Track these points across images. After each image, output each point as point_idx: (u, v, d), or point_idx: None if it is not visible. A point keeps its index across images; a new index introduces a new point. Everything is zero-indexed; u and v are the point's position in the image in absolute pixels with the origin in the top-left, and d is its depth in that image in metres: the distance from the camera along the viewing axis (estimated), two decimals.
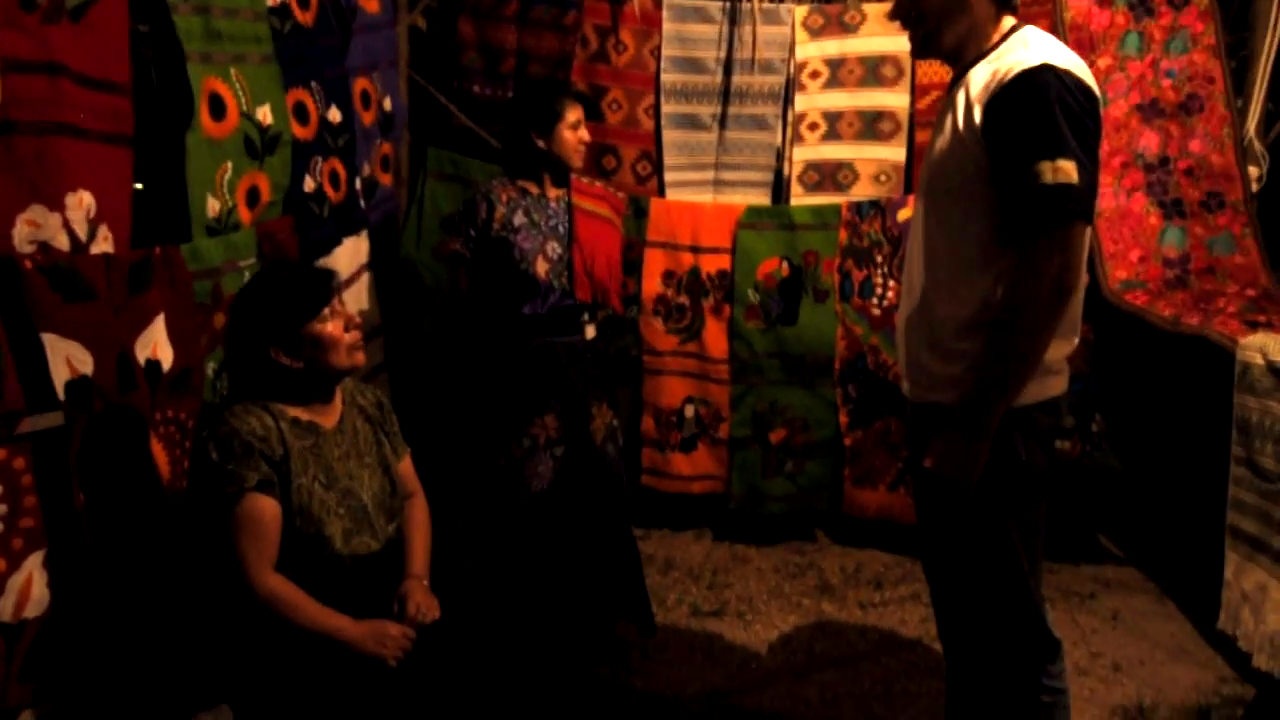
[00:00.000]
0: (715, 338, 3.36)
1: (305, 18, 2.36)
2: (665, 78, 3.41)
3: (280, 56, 2.21)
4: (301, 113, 2.32)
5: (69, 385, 1.57)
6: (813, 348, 3.31)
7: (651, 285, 3.37)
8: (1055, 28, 3.20)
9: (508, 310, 2.48)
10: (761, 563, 3.25)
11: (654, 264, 3.37)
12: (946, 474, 1.60)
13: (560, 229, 2.49)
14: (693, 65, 3.41)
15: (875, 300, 3.26)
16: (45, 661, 1.54)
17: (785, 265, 3.32)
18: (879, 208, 3.27)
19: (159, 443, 1.77)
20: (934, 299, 1.68)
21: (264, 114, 2.13)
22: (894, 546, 3.30)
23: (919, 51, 1.72)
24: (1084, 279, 1.65)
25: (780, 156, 3.47)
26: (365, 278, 2.95)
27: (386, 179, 3.01)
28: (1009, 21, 1.64)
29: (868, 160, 3.41)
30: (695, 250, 3.36)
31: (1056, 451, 1.85)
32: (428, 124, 3.37)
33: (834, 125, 3.43)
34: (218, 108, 1.99)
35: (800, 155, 3.45)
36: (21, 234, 1.52)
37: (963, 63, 1.66)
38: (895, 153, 3.39)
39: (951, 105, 1.63)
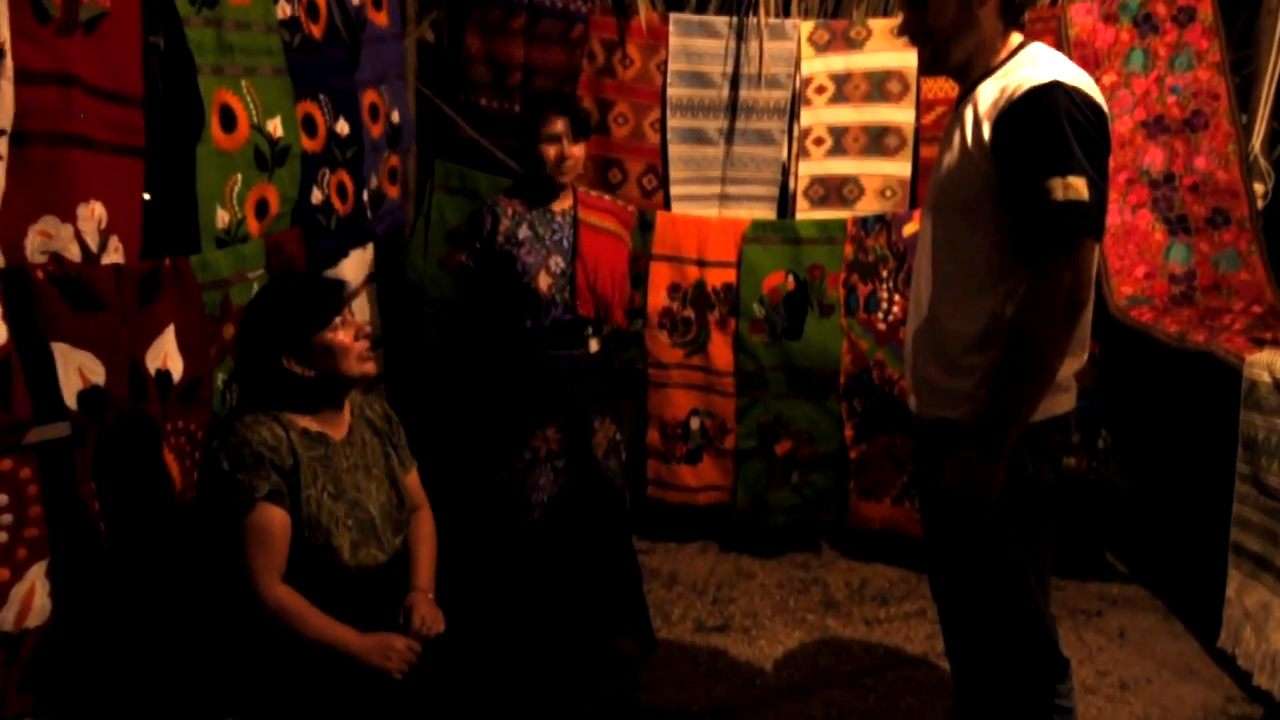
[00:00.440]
0: (720, 351, 3.37)
1: (315, 31, 2.37)
2: (671, 92, 3.42)
3: (290, 69, 2.22)
4: (310, 125, 2.33)
5: (81, 395, 1.57)
6: (818, 362, 3.31)
7: (657, 298, 3.37)
8: (1060, 44, 3.22)
9: (510, 323, 2.48)
10: (766, 578, 3.24)
11: (659, 277, 3.37)
12: (963, 493, 1.59)
13: (564, 243, 2.49)
14: (699, 80, 3.42)
15: (880, 315, 3.26)
16: (46, 671, 1.54)
17: (790, 279, 3.32)
18: (884, 222, 3.28)
19: (169, 453, 1.77)
20: (942, 314, 1.68)
21: (274, 126, 2.14)
22: (899, 560, 3.29)
23: (927, 68, 1.72)
24: (1093, 295, 1.65)
25: (785, 171, 3.48)
26: (369, 290, 2.95)
27: (394, 191, 3.02)
28: (1016, 38, 1.65)
29: (873, 175, 3.42)
30: (701, 264, 3.37)
31: (1063, 468, 1.85)
32: (435, 137, 3.39)
33: (839, 140, 3.44)
34: (229, 120, 2.00)
35: (806, 170, 3.46)
36: (34, 244, 1.52)
37: (970, 79, 1.66)
38: (900, 168, 3.40)
39: (959, 122, 1.63)
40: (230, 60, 2.01)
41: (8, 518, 1.48)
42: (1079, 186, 1.48)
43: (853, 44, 3.40)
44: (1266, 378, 2.42)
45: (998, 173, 1.55)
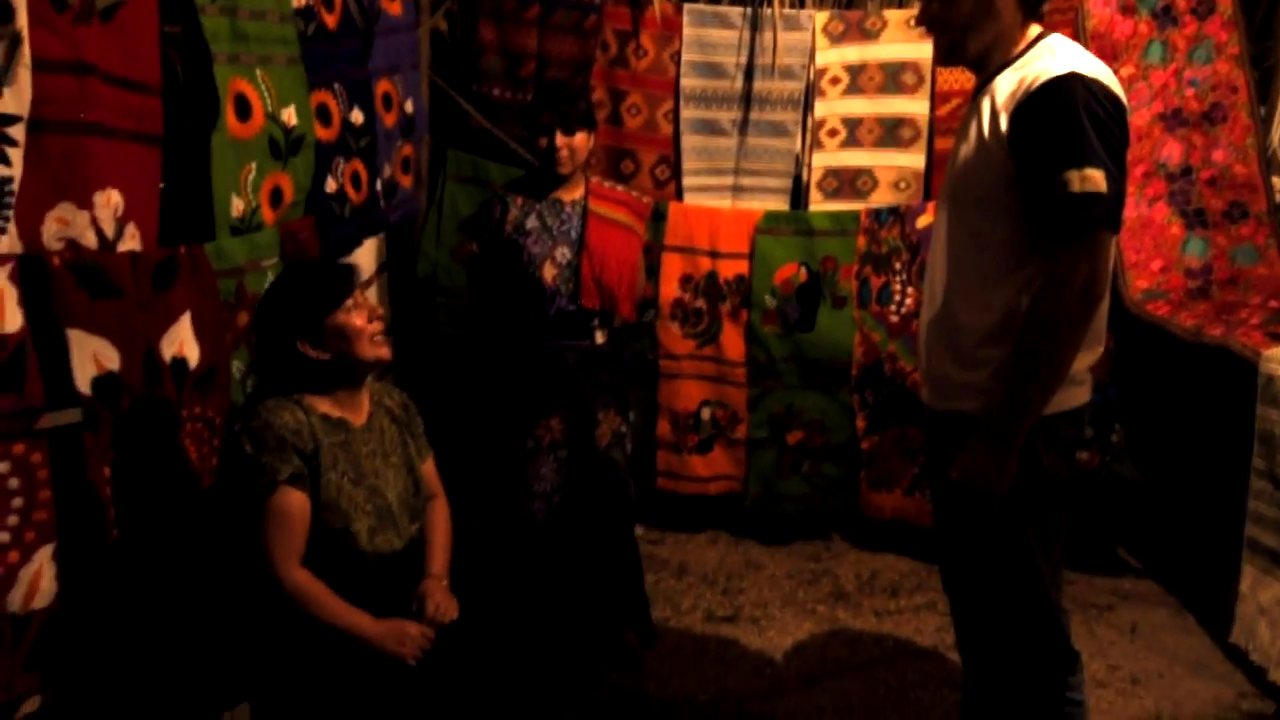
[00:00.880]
0: (732, 341, 3.36)
1: (330, 20, 2.37)
2: (685, 83, 3.41)
3: (305, 58, 2.22)
4: (324, 114, 2.34)
5: (96, 381, 1.58)
6: (830, 353, 3.30)
7: (669, 289, 3.37)
8: (1078, 36, 3.19)
9: (516, 313, 2.49)
10: (776, 569, 3.24)
11: (671, 268, 3.37)
12: (974, 486, 1.59)
13: (573, 234, 2.49)
14: (713, 70, 3.41)
15: (894, 307, 3.25)
16: (51, 651, 1.56)
17: (803, 271, 3.32)
18: (898, 214, 3.26)
19: (186, 439, 1.79)
20: (956, 307, 1.68)
21: (289, 115, 2.15)
22: (910, 551, 3.28)
23: (944, 59, 1.71)
24: (1109, 288, 1.64)
25: (799, 162, 3.47)
26: (380, 279, 2.96)
27: (407, 180, 3.02)
28: (1035, 30, 1.64)
29: (887, 167, 3.41)
30: (713, 255, 3.36)
31: (1076, 462, 1.84)
32: (448, 126, 3.39)
33: (854, 131, 3.42)
34: (243, 109, 2.00)
35: (819, 161, 3.45)
36: (50, 231, 1.53)
37: (987, 70, 1.65)
38: (915, 159, 3.38)
39: (976, 113, 1.62)
40: (245, 49, 2.01)
41: (18, 501, 1.50)
42: (1096, 179, 1.47)
43: (868, 35, 3.38)
44: None
45: (1015, 164, 1.54)
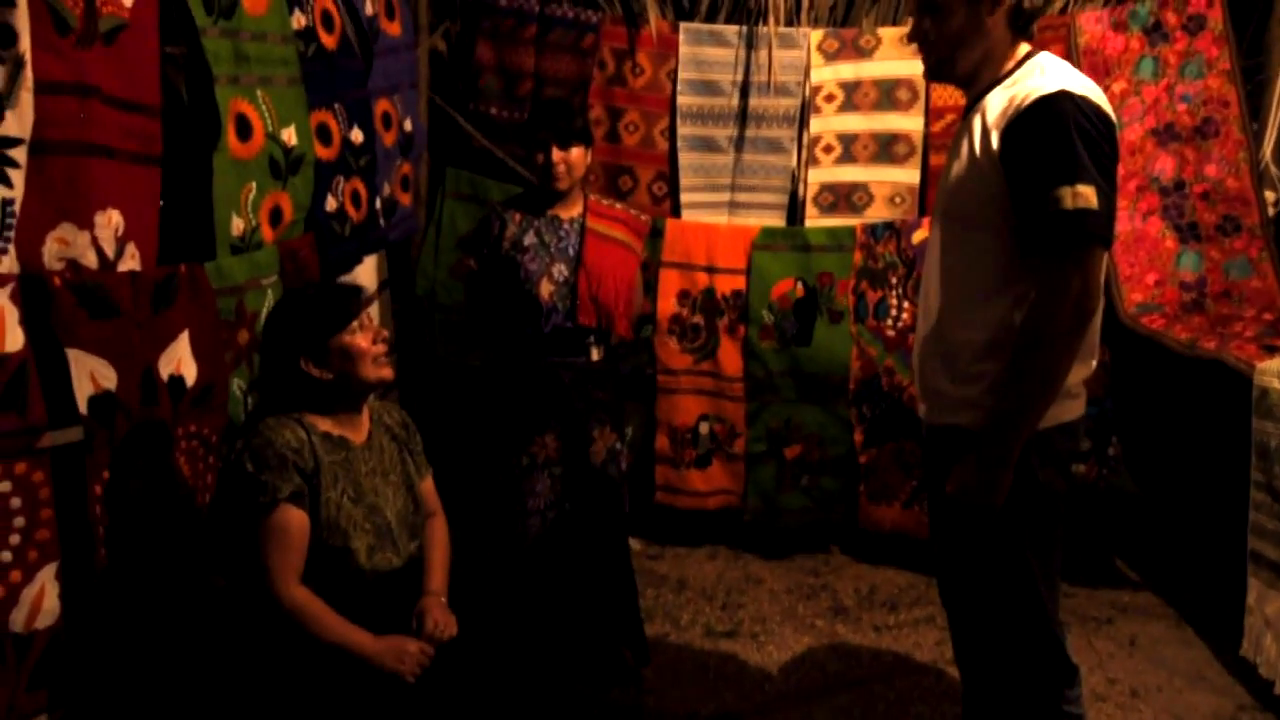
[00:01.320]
0: (730, 357, 3.38)
1: (329, 41, 2.40)
2: (681, 100, 3.44)
3: (305, 79, 2.24)
4: (324, 133, 2.36)
5: (92, 400, 1.59)
6: (827, 368, 3.31)
7: (666, 305, 3.38)
8: (1070, 53, 3.22)
9: (512, 330, 2.50)
10: (775, 583, 3.24)
11: (669, 284, 3.38)
12: (970, 500, 1.60)
13: (570, 251, 2.50)
14: (709, 88, 3.44)
15: (890, 322, 3.26)
16: (55, 671, 1.56)
17: (800, 286, 3.33)
18: (894, 229, 3.28)
19: (181, 458, 1.79)
20: (950, 322, 1.69)
21: (289, 135, 2.17)
22: (909, 565, 3.28)
23: (934, 75, 1.74)
24: (1101, 302, 1.66)
25: (795, 179, 3.49)
26: (381, 297, 2.98)
27: (406, 199, 3.04)
28: (1024, 48, 1.66)
29: (882, 182, 3.43)
30: (710, 270, 3.38)
31: (1073, 475, 1.84)
32: (447, 145, 3.42)
33: (849, 148, 3.45)
34: (244, 129, 2.02)
35: (815, 177, 3.47)
36: (51, 251, 1.55)
37: (977, 88, 1.67)
38: (910, 175, 3.41)
39: (968, 131, 1.64)
40: (246, 70, 2.04)
41: (20, 520, 1.50)
42: (1088, 195, 1.49)
43: (862, 52, 3.41)
44: (1277, 385, 2.42)
45: (1007, 182, 1.56)
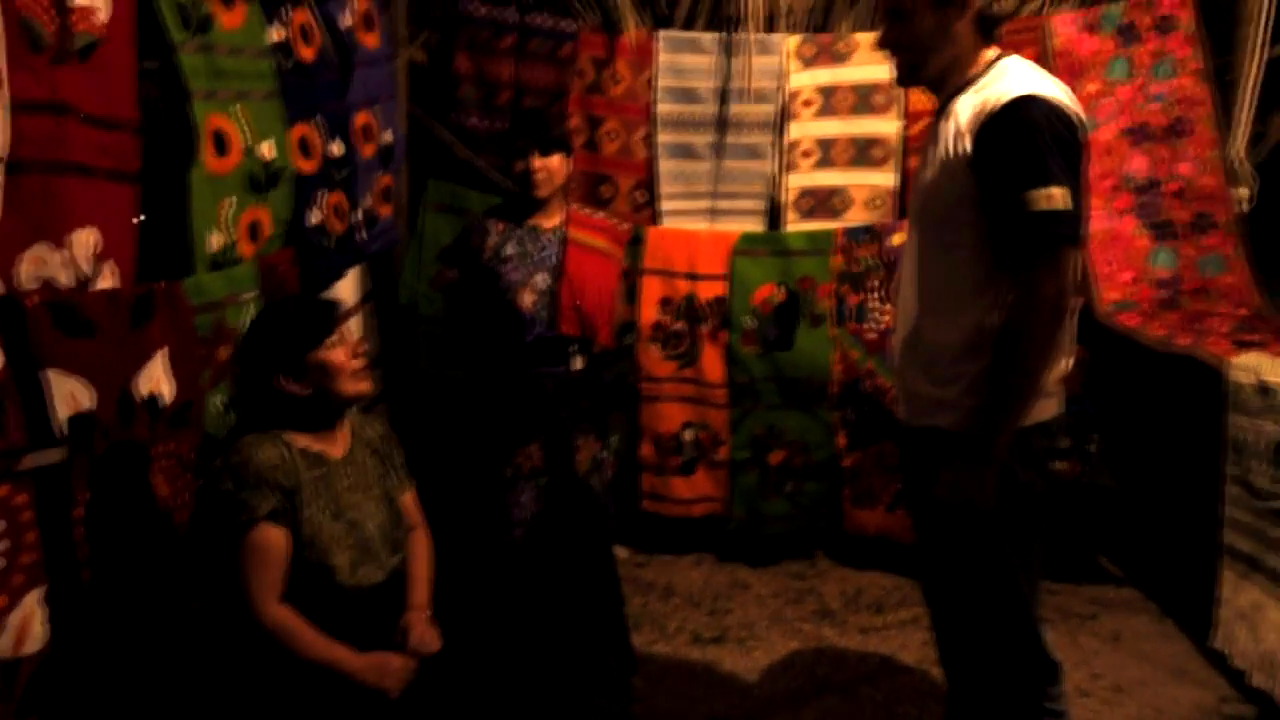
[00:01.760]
0: (712, 363, 3.39)
1: (307, 54, 2.40)
2: (660, 108, 3.46)
3: (284, 92, 2.24)
4: (305, 147, 2.36)
5: (70, 421, 1.58)
6: (809, 372, 3.33)
7: (648, 312, 3.39)
8: (1043, 54, 3.26)
9: (494, 340, 2.50)
10: (762, 589, 3.25)
11: (651, 291, 3.39)
12: (958, 502, 1.61)
13: (551, 260, 2.50)
14: (687, 95, 3.46)
15: (870, 324, 3.29)
16: (43, 697, 1.54)
17: (781, 291, 3.35)
18: (873, 233, 3.31)
19: (159, 476, 1.78)
20: (927, 324, 1.71)
21: (267, 149, 2.16)
22: (894, 568, 3.30)
23: (903, 80, 1.76)
24: (1078, 302, 1.68)
25: (774, 184, 3.51)
26: (364, 310, 2.97)
27: (386, 210, 3.04)
28: (992, 52, 1.68)
29: (861, 186, 3.46)
30: (691, 277, 3.39)
31: (1054, 473, 1.87)
32: (427, 156, 3.42)
33: (827, 152, 3.47)
34: (221, 144, 2.02)
35: (794, 182, 3.49)
36: (26, 272, 1.53)
37: (946, 92, 1.70)
38: (887, 178, 3.43)
39: (939, 136, 1.66)
40: (223, 85, 2.03)
41: (4, 544, 1.48)
42: (1058, 196, 1.51)
43: (838, 57, 3.44)
44: (1250, 380, 2.45)
45: (978, 185, 1.58)
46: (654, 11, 3.52)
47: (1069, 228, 1.53)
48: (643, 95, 3.46)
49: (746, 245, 3.39)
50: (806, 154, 3.48)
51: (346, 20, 2.66)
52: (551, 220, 2.54)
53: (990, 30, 1.67)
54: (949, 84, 1.68)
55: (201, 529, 1.67)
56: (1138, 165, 3.22)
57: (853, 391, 3.30)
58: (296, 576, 1.63)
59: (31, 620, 1.52)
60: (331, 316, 1.75)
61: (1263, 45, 3.11)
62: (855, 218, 3.44)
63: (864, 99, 3.43)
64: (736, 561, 3.43)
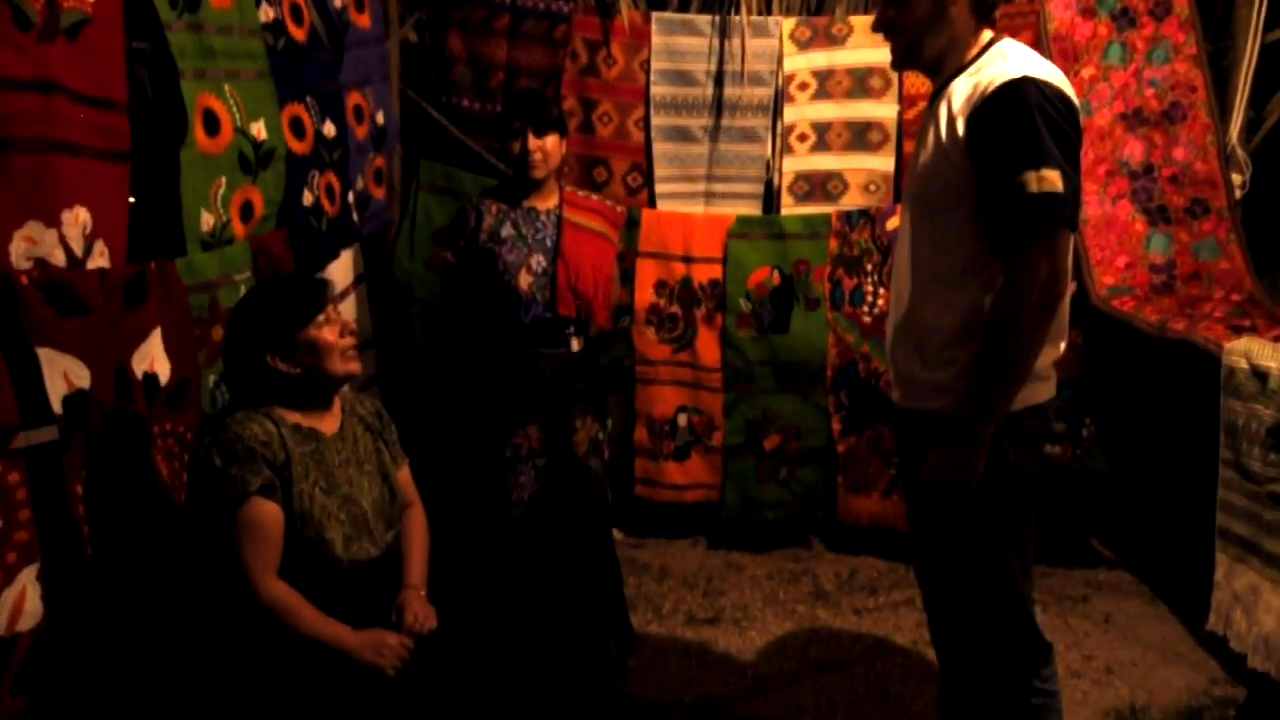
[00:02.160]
0: (708, 346, 3.39)
1: (299, 34, 2.38)
2: (655, 90, 3.44)
3: (275, 72, 2.23)
4: (298, 127, 2.34)
5: (66, 399, 1.58)
6: (804, 356, 3.33)
7: (644, 295, 3.39)
8: (1039, 39, 3.25)
9: (492, 322, 2.50)
10: (756, 570, 3.26)
11: (646, 274, 3.39)
12: (944, 483, 1.62)
13: (547, 242, 2.50)
14: (682, 78, 3.44)
15: (866, 308, 3.29)
16: (39, 674, 1.55)
17: (776, 274, 3.35)
18: (868, 216, 3.30)
19: (158, 455, 1.78)
20: (921, 308, 1.71)
21: (258, 129, 2.15)
22: (888, 553, 3.31)
23: (899, 63, 1.75)
24: (1071, 286, 1.68)
25: (770, 167, 3.50)
26: (358, 290, 2.97)
27: (379, 192, 3.03)
28: (987, 35, 1.68)
29: (857, 170, 3.45)
30: (687, 260, 3.39)
31: (1048, 456, 1.87)
32: (420, 137, 3.40)
33: (823, 136, 3.46)
34: (212, 124, 2.01)
35: (790, 166, 3.48)
36: (18, 250, 1.53)
37: (942, 75, 1.69)
38: (884, 162, 3.43)
39: (933, 118, 1.66)
40: (213, 64, 2.02)
41: None
42: (1053, 179, 1.50)
43: (834, 40, 3.43)
44: (1244, 364, 2.46)
45: (973, 167, 1.57)
46: None
47: (1064, 210, 1.53)
48: (638, 77, 3.45)
49: (742, 228, 3.38)
50: (802, 138, 3.47)
51: (338, 0, 2.64)
52: (547, 202, 2.54)
53: (986, 13, 1.66)
54: (945, 67, 1.68)
55: (195, 506, 1.67)
56: (1133, 150, 3.22)
57: (847, 375, 3.31)
58: (290, 552, 1.63)
59: (26, 598, 1.52)
60: (321, 295, 1.74)
61: (1258, 31, 3.11)
62: (851, 202, 3.43)
63: (860, 82, 3.42)
64: (731, 547, 3.43)
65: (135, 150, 1.77)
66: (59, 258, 1.59)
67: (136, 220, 1.80)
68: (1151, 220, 3.20)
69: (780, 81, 3.45)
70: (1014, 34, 1.71)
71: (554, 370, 2.50)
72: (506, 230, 2.49)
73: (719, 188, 3.51)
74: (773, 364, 3.36)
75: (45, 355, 1.55)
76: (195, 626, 1.79)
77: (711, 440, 3.41)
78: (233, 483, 1.59)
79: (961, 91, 1.60)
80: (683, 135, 3.47)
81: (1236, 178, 3.17)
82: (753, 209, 3.49)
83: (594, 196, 2.71)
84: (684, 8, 3.50)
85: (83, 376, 1.61)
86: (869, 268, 3.29)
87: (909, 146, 3.36)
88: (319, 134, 2.46)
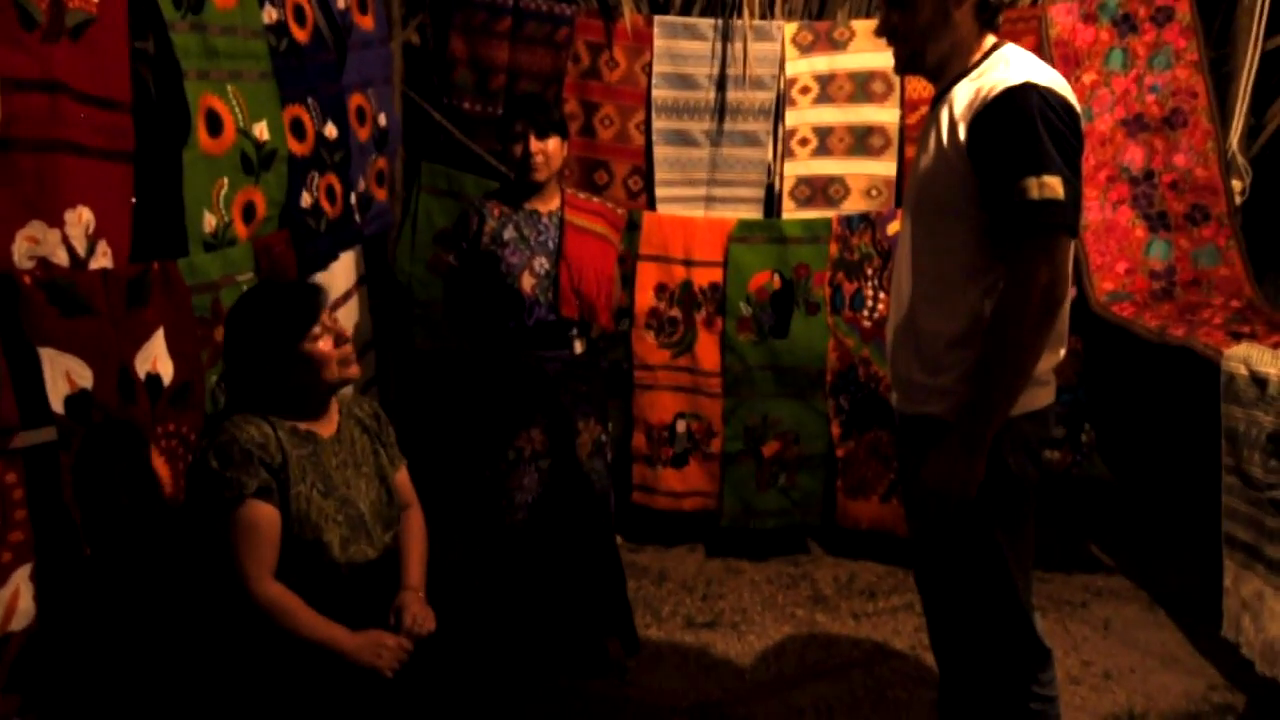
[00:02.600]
0: (707, 351, 3.38)
1: (302, 35, 2.39)
2: (656, 94, 3.44)
3: (277, 73, 2.23)
4: (299, 129, 2.34)
5: (69, 400, 1.58)
6: (804, 360, 3.33)
7: (644, 298, 3.39)
8: (1041, 44, 3.26)
9: (495, 324, 2.50)
10: (755, 574, 3.26)
11: (646, 277, 3.39)
12: (943, 488, 1.62)
13: (550, 244, 2.51)
14: (684, 82, 3.44)
15: (866, 313, 3.29)
16: (32, 673, 1.54)
17: (777, 278, 3.35)
18: (869, 221, 3.31)
19: (160, 456, 1.78)
20: (922, 313, 1.71)
21: (260, 130, 2.15)
22: (887, 557, 3.31)
23: (902, 68, 1.76)
24: (1071, 291, 1.68)
25: (771, 172, 3.51)
26: (359, 292, 2.97)
27: (381, 194, 3.03)
28: (990, 40, 1.68)
29: (858, 175, 3.45)
30: (688, 264, 3.39)
31: (1047, 462, 1.87)
32: (421, 139, 3.40)
33: (824, 140, 3.46)
34: (215, 124, 2.01)
35: (791, 170, 3.48)
36: (21, 250, 1.53)
37: (945, 80, 1.70)
38: (886, 167, 3.43)
39: (935, 123, 1.66)
40: (216, 65, 2.02)
41: None
42: (1054, 185, 1.51)
43: (836, 45, 3.43)
44: (1244, 371, 2.46)
45: (974, 173, 1.58)
46: None
47: (1064, 216, 1.53)
48: (639, 81, 3.45)
49: (743, 232, 3.38)
50: (804, 142, 3.47)
51: (341, 2, 2.64)
52: (549, 204, 2.55)
53: (990, 19, 1.67)
54: (947, 72, 1.68)
55: (193, 509, 1.67)
56: (1133, 156, 3.22)
57: (847, 379, 3.31)
58: (288, 554, 1.64)
59: (19, 597, 1.52)
60: (314, 306, 1.73)
61: (1259, 38, 3.11)
62: (853, 206, 3.43)
63: (862, 87, 3.42)
64: (729, 554, 3.43)
65: (138, 150, 1.77)
66: (62, 258, 1.59)
67: (139, 220, 1.80)
68: (1152, 226, 3.20)
69: (782, 86, 3.46)
70: (1016, 39, 1.71)
71: (557, 372, 2.51)
72: (509, 233, 2.49)
73: (720, 191, 3.51)
74: (772, 368, 3.36)
75: (47, 355, 1.55)
76: (193, 627, 1.79)
77: (710, 447, 3.40)
78: (229, 485, 1.59)
79: (964, 97, 1.61)
80: (684, 139, 3.47)
81: (1237, 184, 3.17)
82: (754, 213, 3.49)
83: (595, 199, 2.72)
84: (686, 11, 3.50)
85: (85, 377, 1.60)
86: (869, 272, 3.29)
87: (910, 151, 3.37)
88: (320, 135, 2.46)
